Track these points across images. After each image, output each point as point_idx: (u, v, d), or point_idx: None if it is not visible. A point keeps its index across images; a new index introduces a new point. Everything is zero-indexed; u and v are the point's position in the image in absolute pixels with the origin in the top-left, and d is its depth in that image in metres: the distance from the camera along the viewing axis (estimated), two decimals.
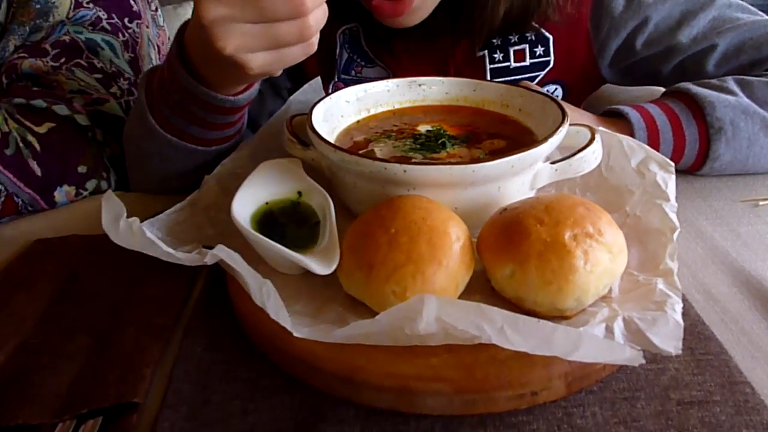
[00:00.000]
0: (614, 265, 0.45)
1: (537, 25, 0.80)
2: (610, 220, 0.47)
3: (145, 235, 0.47)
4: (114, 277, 0.57)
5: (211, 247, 0.48)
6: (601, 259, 0.44)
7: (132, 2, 0.91)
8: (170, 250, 0.47)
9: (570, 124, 0.57)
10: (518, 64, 0.83)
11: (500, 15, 0.76)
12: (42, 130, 0.75)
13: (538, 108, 0.63)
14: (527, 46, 0.83)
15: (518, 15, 0.77)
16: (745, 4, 0.81)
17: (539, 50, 0.82)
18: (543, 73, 0.84)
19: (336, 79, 0.89)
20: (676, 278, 0.47)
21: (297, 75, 0.95)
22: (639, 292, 0.47)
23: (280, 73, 0.58)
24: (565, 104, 0.71)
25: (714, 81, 0.73)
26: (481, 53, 0.83)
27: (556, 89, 0.86)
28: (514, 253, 0.44)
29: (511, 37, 0.82)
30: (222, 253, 0.45)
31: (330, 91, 0.87)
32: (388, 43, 0.84)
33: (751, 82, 0.72)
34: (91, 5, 0.85)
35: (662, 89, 0.82)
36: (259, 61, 0.53)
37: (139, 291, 0.55)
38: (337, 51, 0.87)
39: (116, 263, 0.58)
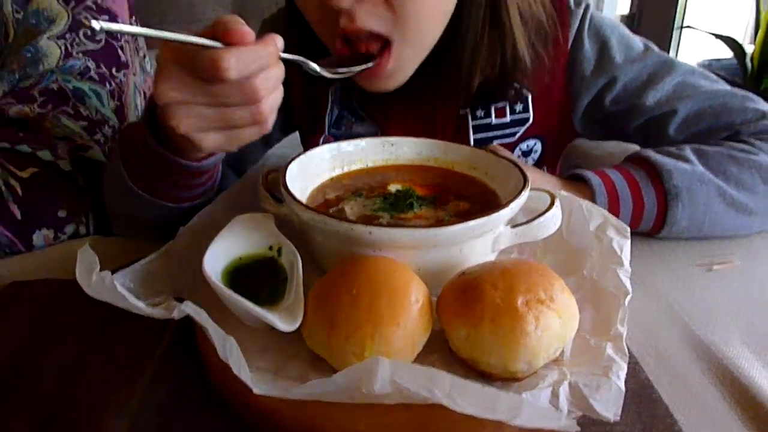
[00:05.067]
0: (564, 330, 0.47)
1: (514, 93, 0.86)
2: (562, 286, 0.50)
3: (116, 289, 0.49)
4: (86, 322, 0.59)
5: (182, 299, 0.50)
6: (552, 324, 0.46)
7: (120, 52, 0.94)
8: (139, 303, 0.49)
9: (531, 189, 0.60)
10: (499, 121, 0.88)
11: (474, 87, 0.81)
12: (25, 174, 0.77)
13: (502, 172, 0.66)
14: (507, 103, 0.88)
15: (493, 86, 0.82)
16: (707, 72, 0.87)
17: (519, 107, 0.88)
18: (523, 128, 0.89)
19: (327, 134, 0.92)
20: (625, 344, 0.49)
21: (288, 128, 0.99)
22: (588, 356, 0.49)
23: (236, 149, 0.60)
24: (529, 168, 0.74)
25: (673, 149, 0.77)
26: (463, 111, 0.88)
27: (535, 143, 0.91)
28: (470, 316, 0.46)
29: (492, 96, 0.86)
30: (189, 308, 0.47)
31: (321, 143, 0.90)
32: (378, 100, 0.88)
33: (707, 151, 0.76)
34: (80, 55, 0.88)
35: (635, 145, 0.87)
36: (210, 141, 0.57)
37: (111, 336, 0.57)
38: (329, 107, 0.92)
39: (90, 306, 0.59)
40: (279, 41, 0.55)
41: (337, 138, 0.92)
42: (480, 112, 0.88)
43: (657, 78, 0.84)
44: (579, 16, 0.86)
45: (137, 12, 1.13)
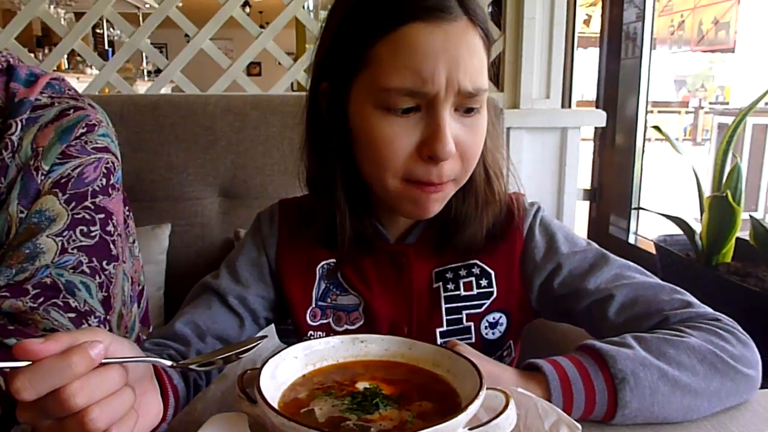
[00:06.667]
0: None
1: (480, 271, 0.99)
2: None
3: None
4: None
5: None
6: None
7: (112, 246, 1.02)
8: None
9: (488, 388, 0.65)
10: (467, 293, 0.99)
11: (483, 232, 0.95)
12: None
13: (461, 371, 0.71)
14: (474, 278, 0.99)
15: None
16: (640, 267, 0.99)
17: (484, 282, 0.99)
18: (488, 301, 1.00)
19: (314, 306, 1.01)
20: None
21: (278, 302, 1.06)
22: None
23: None
24: (488, 362, 0.80)
25: (615, 338, 0.84)
26: (436, 285, 0.99)
27: (500, 317, 1.00)
28: None
29: (460, 271, 0.99)
30: None
31: (308, 316, 1.01)
32: (362, 274, 0.99)
33: (645, 337, 0.83)
34: (75, 251, 0.95)
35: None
36: None
37: None
38: (316, 282, 1.01)
39: None
40: (95, 349, 0.53)
41: (323, 309, 1.01)
42: (450, 285, 0.99)
43: (597, 267, 0.96)
44: (532, 214, 1.02)
45: (128, 191, 1.22)
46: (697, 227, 2.13)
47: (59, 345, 0.52)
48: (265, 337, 0.64)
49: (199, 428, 0.63)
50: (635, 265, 0.98)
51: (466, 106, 0.84)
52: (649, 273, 0.98)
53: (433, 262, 1.00)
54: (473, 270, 0.99)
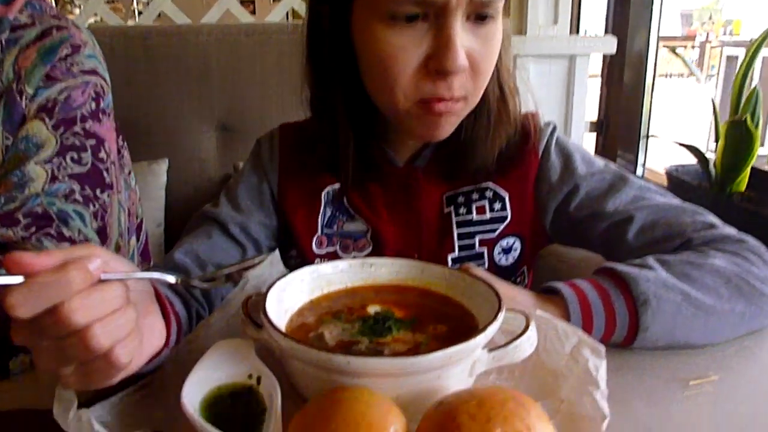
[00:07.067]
0: None
1: (493, 194, 0.95)
2: (539, 414, 0.50)
3: (93, 427, 0.48)
4: None
5: None
6: None
7: (105, 174, 0.97)
8: None
9: (507, 310, 0.61)
10: (480, 217, 0.95)
11: (496, 154, 0.91)
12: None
13: (478, 293, 0.67)
14: (487, 202, 0.95)
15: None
16: (660, 188, 0.95)
17: (497, 206, 0.95)
18: (502, 225, 0.96)
19: (319, 233, 0.97)
20: None
21: (282, 231, 1.02)
22: None
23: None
24: (504, 285, 0.76)
25: (636, 260, 0.80)
26: (447, 210, 0.95)
27: (515, 241, 0.97)
28: None
29: (472, 195, 0.95)
30: None
31: (314, 244, 0.97)
32: (368, 199, 0.95)
33: (668, 259, 0.80)
34: (66, 178, 0.90)
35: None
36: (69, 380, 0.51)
37: None
38: (321, 209, 0.97)
39: None
40: (93, 262, 0.49)
41: (329, 237, 0.97)
42: (462, 210, 0.95)
43: (615, 188, 0.92)
44: (548, 133, 0.97)
45: (122, 125, 1.17)
46: (711, 156, 2.07)
47: (53, 260, 0.48)
48: (272, 253, 0.60)
49: (203, 355, 0.59)
50: (655, 187, 0.94)
51: (479, 13, 0.77)
52: (670, 194, 0.94)
53: (444, 186, 0.95)
54: (486, 193, 0.95)
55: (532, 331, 0.60)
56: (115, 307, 0.49)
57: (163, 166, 1.76)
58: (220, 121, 1.81)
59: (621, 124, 2.66)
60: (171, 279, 0.56)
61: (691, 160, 2.17)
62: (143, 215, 1.29)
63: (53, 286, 0.46)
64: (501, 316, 0.59)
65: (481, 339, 0.56)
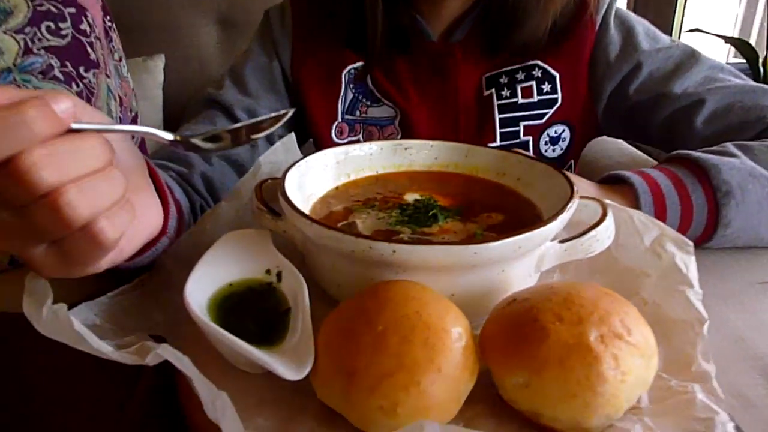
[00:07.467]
0: (647, 372, 0.37)
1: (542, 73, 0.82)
2: (637, 315, 0.40)
3: (72, 327, 0.38)
4: (42, 366, 0.47)
5: (159, 338, 0.40)
6: (633, 365, 0.36)
7: (90, 50, 0.84)
8: (104, 346, 0.38)
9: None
10: (526, 101, 0.82)
11: (548, 26, 0.78)
12: None
13: (538, 178, 0.56)
14: (534, 83, 0.82)
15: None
16: (734, 69, 0.81)
17: (546, 87, 0.82)
18: (551, 110, 0.83)
19: (340, 120, 0.85)
20: (716, 385, 0.39)
21: (296, 119, 0.88)
22: (674, 402, 0.39)
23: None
24: (569, 174, 0.65)
25: (713, 147, 0.69)
26: (488, 92, 0.82)
27: (564, 130, 0.85)
28: (529, 358, 0.36)
29: (517, 75, 0.82)
30: (167, 353, 0.36)
31: (333, 133, 0.84)
32: (396, 80, 0.82)
33: (752, 146, 0.68)
34: (42, 52, 0.77)
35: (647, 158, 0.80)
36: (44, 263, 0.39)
37: (72, 384, 0.45)
38: (342, 91, 0.84)
39: (45, 348, 0.48)
40: (59, 103, 0.35)
41: (351, 125, 0.85)
42: (505, 92, 0.82)
43: (684, 68, 0.79)
44: (606, 3, 0.82)
45: (116, 19, 1.02)
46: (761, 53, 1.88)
47: (5, 95, 0.34)
48: (291, 111, 0.47)
49: (209, 248, 0.49)
50: (729, 67, 0.80)
51: None
52: (741, 75, 0.80)
53: (485, 64, 0.82)
54: (533, 73, 0.82)
55: (610, 220, 0.49)
56: (94, 166, 0.36)
57: (159, 62, 1.61)
58: (220, 12, 1.66)
59: (653, 17, 2.45)
60: (167, 135, 0.43)
61: (731, 59, 1.99)
62: (138, 109, 1.15)
63: (5, 127, 0.33)
64: (575, 202, 0.48)
65: (555, 226, 0.45)
